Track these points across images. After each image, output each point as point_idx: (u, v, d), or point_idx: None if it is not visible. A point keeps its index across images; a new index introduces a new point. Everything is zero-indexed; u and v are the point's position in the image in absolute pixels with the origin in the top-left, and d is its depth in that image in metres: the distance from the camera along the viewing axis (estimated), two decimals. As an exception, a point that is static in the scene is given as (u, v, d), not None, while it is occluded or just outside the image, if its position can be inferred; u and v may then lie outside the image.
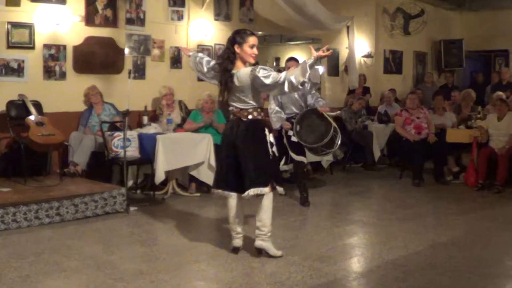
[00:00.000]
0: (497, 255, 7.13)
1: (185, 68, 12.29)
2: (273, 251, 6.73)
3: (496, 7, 19.00)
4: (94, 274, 6.16)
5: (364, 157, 13.94)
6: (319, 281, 6.00)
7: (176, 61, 12.24)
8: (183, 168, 10.34)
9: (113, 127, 10.23)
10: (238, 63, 6.59)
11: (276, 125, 9.97)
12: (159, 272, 6.27)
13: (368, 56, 16.87)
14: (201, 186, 10.58)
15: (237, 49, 6.53)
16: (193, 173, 10.35)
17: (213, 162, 10.15)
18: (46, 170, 9.96)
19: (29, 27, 10.06)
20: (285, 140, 9.74)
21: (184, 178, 10.68)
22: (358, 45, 16.34)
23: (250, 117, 6.58)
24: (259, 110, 6.65)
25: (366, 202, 10.57)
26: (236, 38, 6.57)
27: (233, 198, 6.74)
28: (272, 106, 9.90)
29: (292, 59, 10.22)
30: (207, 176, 10.27)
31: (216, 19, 12.96)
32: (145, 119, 10.95)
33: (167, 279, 6.05)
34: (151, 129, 10.50)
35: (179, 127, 10.82)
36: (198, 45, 12.56)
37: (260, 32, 14.75)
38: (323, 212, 9.75)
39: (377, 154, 13.63)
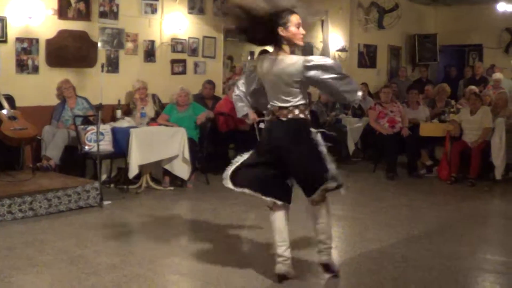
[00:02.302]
0: (469, 248, 7.18)
1: (158, 62, 12.31)
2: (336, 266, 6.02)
3: (470, 2, 19.07)
4: (67, 269, 6.14)
5: (338, 151, 13.96)
6: (294, 272, 6.00)
7: (149, 54, 12.21)
8: (156, 162, 10.30)
9: (86, 121, 10.20)
10: (285, 49, 5.67)
11: (240, 113, 9.94)
12: (132, 266, 6.26)
13: (343, 50, 16.89)
14: (175, 180, 10.55)
15: (281, 32, 5.56)
16: (167, 167, 10.33)
17: (187, 155, 10.15)
18: (19, 164, 9.86)
19: (1, 20, 9.97)
20: (256, 132, 9.71)
21: (157, 172, 10.65)
22: (333, 39, 16.37)
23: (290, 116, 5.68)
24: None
25: (340, 195, 10.52)
26: (277, 21, 5.55)
27: (280, 210, 5.95)
28: (238, 91, 9.82)
29: (264, 52, 10.17)
30: (180, 170, 10.29)
31: (190, 13, 12.94)
32: (119, 113, 10.91)
33: (141, 273, 6.04)
34: (125, 123, 10.47)
35: (153, 121, 10.80)
36: (172, 39, 12.54)
37: (233, 26, 14.75)
38: (297, 205, 9.69)
39: (351, 147, 13.67)
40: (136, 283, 5.73)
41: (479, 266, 6.58)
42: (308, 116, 5.76)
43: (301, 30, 5.61)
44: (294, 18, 5.58)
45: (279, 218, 5.89)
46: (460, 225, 8.41)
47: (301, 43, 5.65)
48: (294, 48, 5.75)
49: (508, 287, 5.93)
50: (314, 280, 5.95)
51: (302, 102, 5.66)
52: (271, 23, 5.56)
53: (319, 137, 5.74)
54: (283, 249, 5.80)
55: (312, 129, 5.74)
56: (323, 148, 5.70)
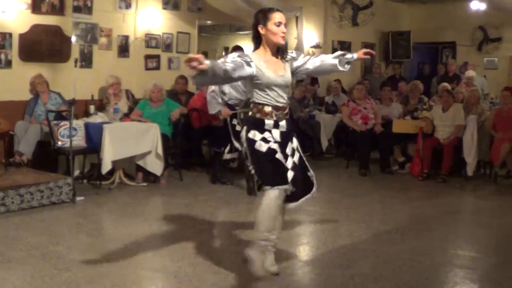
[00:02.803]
0: (440, 244, 7.26)
1: (132, 57, 12.29)
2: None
3: (443, 0, 19.20)
4: (40, 265, 6.13)
5: (311, 147, 14.02)
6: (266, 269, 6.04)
7: (123, 50, 12.18)
8: (129, 158, 10.30)
9: (59, 116, 10.15)
10: (267, 48, 5.64)
11: (212, 109, 9.97)
12: (105, 261, 6.27)
13: (317, 46, 16.92)
14: (148, 176, 10.54)
15: (261, 30, 5.56)
16: (140, 162, 10.33)
17: (160, 151, 10.16)
18: (-9, 160, 9.88)
19: (-26, 14, 9.94)
20: (229, 128, 9.75)
21: (130, 167, 10.64)
22: (307, 36, 16.38)
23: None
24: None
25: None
26: (258, 18, 5.59)
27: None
28: (212, 87, 9.86)
29: (238, 48, 10.22)
30: (154, 165, 10.31)
31: (164, 8, 12.92)
32: (92, 108, 10.85)
33: (114, 268, 6.05)
34: (98, 118, 10.44)
35: (126, 116, 10.78)
36: (146, 34, 12.52)
37: (208, 22, 14.78)
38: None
39: (324, 144, 13.74)
40: (109, 279, 5.74)
41: (449, 261, 6.65)
42: None
43: (282, 28, 5.55)
44: (274, 16, 5.53)
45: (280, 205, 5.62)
46: (431, 221, 8.49)
47: (281, 42, 5.61)
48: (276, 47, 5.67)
49: (477, 282, 6.00)
50: (286, 275, 5.97)
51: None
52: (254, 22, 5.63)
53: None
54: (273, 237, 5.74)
55: None
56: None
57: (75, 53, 11.19)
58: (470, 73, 15.43)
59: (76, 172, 9.96)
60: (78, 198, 9.03)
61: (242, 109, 9.33)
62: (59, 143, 9.68)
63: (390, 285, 5.76)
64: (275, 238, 5.75)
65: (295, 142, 5.75)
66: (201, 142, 11.91)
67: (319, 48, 16.94)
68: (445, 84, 14.14)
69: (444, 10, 19.35)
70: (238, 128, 9.50)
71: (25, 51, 10.57)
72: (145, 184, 10.41)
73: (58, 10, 10.94)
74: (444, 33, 19.60)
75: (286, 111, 5.72)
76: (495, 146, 11.25)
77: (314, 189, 5.88)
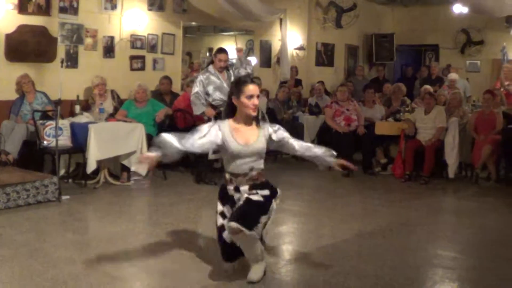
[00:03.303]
0: (420, 244, 7.37)
1: (117, 58, 12.36)
2: None
3: (427, 3, 19.36)
4: (27, 262, 6.20)
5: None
6: (248, 267, 6.13)
7: (109, 50, 12.24)
8: (115, 158, 10.38)
9: (45, 116, 10.22)
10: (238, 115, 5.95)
11: (196, 110, 10.07)
12: (91, 259, 6.34)
13: (300, 48, 17.05)
14: (133, 175, 10.62)
15: (234, 101, 5.87)
16: (125, 162, 10.41)
17: (145, 151, 10.21)
18: (-23, 159, 9.92)
19: (-40, 14, 9.98)
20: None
21: (116, 167, 10.71)
22: (291, 38, 16.49)
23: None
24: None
25: (296, 191, 10.72)
26: (232, 90, 5.93)
27: None
28: (196, 89, 9.98)
29: (221, 50, 10.33)
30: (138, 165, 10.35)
31: (149, 9, 13.00)
32: (77, 108, 10.93)
33: (99, 266, 6.14)
34: (83, 118, 10.50)
35: (111, 116, 10.86)
36: (131, 35, 12.59)
37: (193, 23, 14.84)
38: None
39: (308, 145, 13.80)
40: (95, 276, 5.82)
41: (430, 261, 6.74)
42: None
43: (254, 101, 5.82)
44: (247, 89, 5.81)
45: None
46: (413, 221, 8.60)
47: (252, 114, 5.86)
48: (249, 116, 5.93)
49: (457, 281, 6.09)
50: (269, 274, 6.06)
51: None
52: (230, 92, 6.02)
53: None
54: None
55: None
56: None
57: (61, 53, 11.25)
58: (453, 75, 15.56)
59: (62, 172, 10.03)
60: (64, 197, 9.11)
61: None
62: (45, 142, 9.74)
63: (371, 284, 5.86)
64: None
65: (264, 192, 5.93)
66: (186, 143, 11.94)
67: (303, 50, 17.06)
68: (427, 86, 14.29)
69: (427, 13, 19.51)
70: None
71: (11, 51, 10.63)
72: (130, 183, 10.48)
73: (44, 10, 11.01)
74: (427, 36, 19.77)
75: (250, 177, 5.91)
76: (477, 149, 11.39)
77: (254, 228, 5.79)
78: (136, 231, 7.61)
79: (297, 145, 6.19)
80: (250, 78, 6.28)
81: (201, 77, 10.16)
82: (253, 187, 5.89)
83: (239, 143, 5.80)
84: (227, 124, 5.90)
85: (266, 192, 5.90)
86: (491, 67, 18.62)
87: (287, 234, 7.80)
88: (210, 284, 5.76)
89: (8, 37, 10.58)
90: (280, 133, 6.07)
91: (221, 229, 5.84)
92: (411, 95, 15.63)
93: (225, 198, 5.96)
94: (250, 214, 5.70)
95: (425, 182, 11.34)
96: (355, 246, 7.15)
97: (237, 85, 5.90)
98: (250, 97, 5.79)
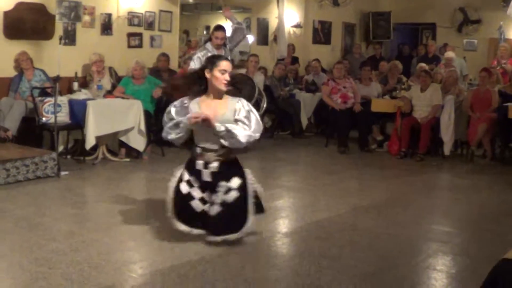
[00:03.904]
0: (415, 219, 7.49)
1: (115, 35, 12.38)
2: None
3: (424, -19, 19.40)
4: (27, 235, 6.29)
5: (291, 125, 14.20)
6: (245, 240, 6.22)
7: (106, 27, 12.26)
8: (113, 134, 10.44)
9: (44, 93, 10.28)
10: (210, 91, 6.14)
11: None
12: (90, 232, 6.46)
13: (297, 26, 17.08)
14: (131, 152, 10.70)
15: (207, 74, 6.06)
16: (123, 138, 10.47)
17: (143, 127, 10.31)
18: (-23, 135, 10.00)
19: (-42, -8, 10.01)
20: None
21: (114, 143, 10.78)
22: (288, 15, 16.50)
23: None
24: None
25: (293, 168, 10.84)
26: (206, 63, 6.18)
27: None
28: (194, 67, 10.03)
29: (219, 28, 10.36)
30: (136, 141, 10.46)
31: (147, -13, 13.02)
32: (75, 85, 10.95)
33: (98, 238, 6.24)
34: (82, 95, 10.55)
35: (109, 93, 10.92)
36: (129, 12, 12.62)
37: (190, 0, 14.88)
38: (251, 177, 9.97)
39: (304, 122, 13.91)
40: (94, 248, 5.93)
41: (424, 235, 6.88)
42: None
43: (226, 76, 6.03)
44: (221, 64, 6.04)
45: None
46: (408, 197, 8.72)
47: (223, 88, 6.06)
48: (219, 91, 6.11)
49: (450, 255, 6.20)
50: (266, 247, 6.17)
51: None
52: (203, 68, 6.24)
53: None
54: None
55: None
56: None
57: (58, 30, 11.26)
58: (449, 54, 15.58)
59: (60, 148, 10.10)
60: (63, 173, 9.19)
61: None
62: (44, 119, 9.81)
63: (365, 256, 5.97)
64: None
65: (235, 182, 6.07)
66: (183, 119, 12.00)
67: (300, 27, 17.10)
68: (423, 64, 14.34)
69: (424, -9, 19.52)
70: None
71: (9, 29, 10.65)
72: (128, 159, 10.57)
73: (42, -12, 11.04)
74: (424, 14, 19.75)
75: (219, 154, 6.13)
76: (472, 126, 11.46)
77: (244, 227, 6.06)
78: (134, 205, 7.70)
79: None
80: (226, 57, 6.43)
81: (198, 54, 10.19)
82: (222, 165, 6.10)
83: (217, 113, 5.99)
84: (196, 100, 6.12)
85: (236, 181, 6.07)
86: (488, 46, 18.62)
87: (283, 209, 7.90)
88: (208, 254, 5.86)
89: (6, 14, 10.59)
90: (241, 116, 6.10)
91: (187, 197, 6.10)
92: (408, 73, 15.67)
93: (192, 170, 6.15)
94: (234, 219, 6.00)
95: (421, 159, 11.42)
96: (350, 220, 7.27)
97: (212, 59, 6.18)
98: (224, 72, 6.02)
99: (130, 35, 12.76)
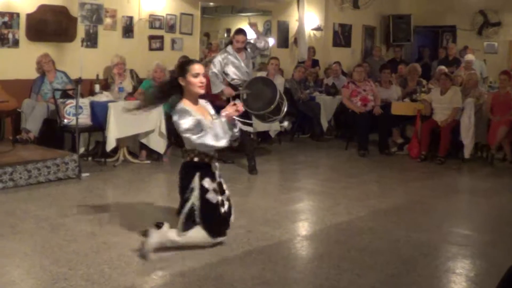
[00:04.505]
0: (434, 222, 7.48)
1: (136, 38, 12.47)
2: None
3: (444, -16, 19.34)
4: (49, 236, 6.36)
5: (311, 128, 14.22)
6: (265, 243, 6.30)
7: (128, 30, 12.35)
8: (133, 136, 10.48)
9: (65, 94, 10.35)
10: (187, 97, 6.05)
11: (215, 89, 10.14)
12: (110, 233, 6.50)
13: (318, 29, 17.09)
14: (151, 154, 10.75)
15: (181, 81, 6.00)
16: (144, 140, 10.51)
17: (163, 130, 10.35)
18: (-1, 136, 10.10)
19: (-19, -6, 10.10)
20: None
21: (134, 145, 10.84)
22: (308, 18, 16.53)
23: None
24: None
25: (313, 171, 10.85)
26: (177, 71, 6.13)
27: None
28: (214, 69, 10.08)
29: (240, 31, 10.37)
30: (157, 144, 10.49)
31: (168, -10, 13.08)
32: (97, 87, 11.03)
33: (119, 240, 6.29)
34: (103, 97, 10.61)
35: (130, 95, 10.96)
36: (150, 15, 12.69)
37: (211, 3, 14.92)
38: (271, 180, 10.02)
39: (325, 125, 13.92)
40: (115, 249, 5.98)
41: (443, 238, 6.85)
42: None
43: (200, 79, 5.98)
44: (193, 68, 5.97)
45: None
46: (427, 200, 8.67)
47: (200, 91, 6.02)
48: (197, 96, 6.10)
49: (469, 258, 6.19)
50: (285, 249, 6.20)
51: None
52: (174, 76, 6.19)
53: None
54: None
55: None
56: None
57: (80, 33, 11.37)
58: (469, 57, 15.57)
59: (82, 150, 10.18)
60: (84, 174, 9.26)
61: (245, 90, 9.55)
62: (65, 121, 9.89)
63: (384, 259, 5.98)
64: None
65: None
66: (203, 122, 12.02)
67: (321, 30, 17.11)
68: (442, 67, 14.32)
69: (443, -6, 19.47)
70: (241, 107, 9.73)
71: (32, 31, 10.76)
72: (148, 161, 10.62)
73: (65, -10, 11.12)
74: (445, 17, 19.70)
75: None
76: (492, 129, 11.43)
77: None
78: (154, 207, 7.74)
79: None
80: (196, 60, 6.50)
81: (219, 57, 10.22)
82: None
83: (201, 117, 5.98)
84: (188, 104, 6.01)
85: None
86: (508, 48, 18.56)
87: (302, 212, 7.94)
88: (227, 256, 5.89)
89: (29, 17, 10.70)
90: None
91: (217, 205, 6.01)
92: (429, 76, 15.64)
93: (212, 176, 6.09)
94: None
95: (441, 162, 11.40)
96: (370, 223, 7.27)
97: (182, 66, 6.08)
98: (197, 75, 5.95)
99: (151, 37, 12.84)
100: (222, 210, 6.04)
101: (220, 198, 6.05)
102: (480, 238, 6.94)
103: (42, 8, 10.83)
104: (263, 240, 6.39)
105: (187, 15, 13.59)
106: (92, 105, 10.23)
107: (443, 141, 11.52)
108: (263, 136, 12.54)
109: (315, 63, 16.52)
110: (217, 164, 6.18)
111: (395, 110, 12.53)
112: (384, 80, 13.58)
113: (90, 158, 10.57)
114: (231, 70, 10.05)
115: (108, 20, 11.97)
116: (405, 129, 12.86)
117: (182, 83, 6.00)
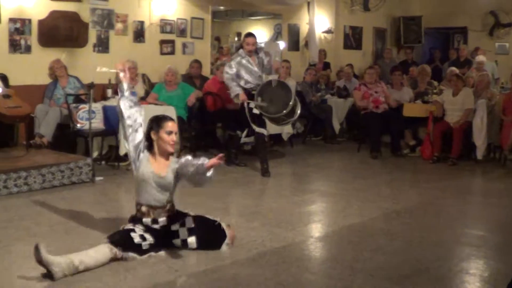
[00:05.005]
0: (448, 223, 7.48)
1: (148, 42, 12.51)
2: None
3: (455, -15, 19.31)
4: (63, 239, 6.40)
5: (323, 131, 14.23)
6: (278, 244, 6.32)
7: (139, 35, 12.39)
8: (146, 140, 10.50)
9: (78, 99, 10.42)
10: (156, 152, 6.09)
11: (232, 93, 10.16)
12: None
13: (328, 31, 17.10)
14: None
15: (153, 136, 6.04)
16: (156, 145, 10.53)
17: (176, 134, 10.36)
18: (13, 141, 10.14)
19: (-6, 1, 10.16)
20: (246, 112, 9.96)
21: (147, 149, 10.85)
22: (319, 21, 16.54)
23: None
24: None
25: (325, 173, 10.86)
26: (152, 125, 6.10)
27: None
28: (230, 72, 10.11)
29: (250, 35, 10.40)
30: (169, 147, 10.50)
31: (178, -6, 13.12)
32: (109, 92, 11.09)
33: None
34: (115, 101, 10.63)
35: (143, 100, 11.00)
36: (161, 20, 12.74)
37: (221, 7, 14.98)
38: (283, 182, 10.04)
39: (337, 127, 13.94)
40: (130, 252, 6.00)
41: (457, 239, 6.86)
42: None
43: (172, 137, 6.02)
44: (167, 125, 6.02)
45: None
46: (440, 201, 8.68)
47: (171, 150, 6.05)
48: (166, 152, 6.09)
49: (483, 259, 6.18)
50: (298, 251, 6.22)
51: None
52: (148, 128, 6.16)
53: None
54: None
55: None
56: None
57: (92, 38, 11.42)
58: (480, 58, 15.53)
59: (95, 154, 10.22)
60: (97, 178, 9.32)
61: (262, 102, 9.61)
62: (78, 125, 9.95)
63: (398, 260, 5.99)
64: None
65: (189, 221, 6.15)
66: (216, 125, 12.10)
67: (331, 33, 17.12)
68: (453, 68, 14.33)
69: (454, -5, 19.45)
70: (255, 111, 9.78)
71: (44, 37, 10.82)
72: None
73: (76, -4, 11.18)
74: (456, 18, 19.66)
75: (167, 209, 6.12)
76: (505, 130, 11.39)
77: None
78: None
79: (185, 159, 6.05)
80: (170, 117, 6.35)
81: (233, 61, 10.25)
82: (171, 219, 6.10)
83: (150, 169, 6.00)
84: (146, 156, 6.08)
85: (190, 224, 6.12)
86: (520, 49, 18.57)
87: (315, 213, 7.97)
88: (241, 257, 5.92)
89: (41, 23, 10.76)
90: (181, 160, 6.06)
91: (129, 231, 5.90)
92: (440, 78, 15.63)
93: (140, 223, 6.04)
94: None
95: (453, 163, 11.37)
96: (382, 225, 7.28)
97: (157, 121, 6.08)
98: (170, 133, 5.99)
99: (162, 42, 12.88)
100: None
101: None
102: (493, 239, 6.94)
103: (54, 14, 10.88)
104: (277, 241, 6.41)
105: (198, 19, 13.62)
106: (105, 109, 10.30)
107: (455, 142, 11.51)
108: (276, 138, 12.55)
109: (326, 65, 16.53)
110: (160, 219, 6.07)
111: (407, 111, 12.53)
112: (395, 82, 13.57)
113: (103, 162, 10.62)
114: (244, 73, 10.08)
115: (119, 25, 12.02)
116: (417, 131, 12.82)
117: (153, 137, 6.04)
